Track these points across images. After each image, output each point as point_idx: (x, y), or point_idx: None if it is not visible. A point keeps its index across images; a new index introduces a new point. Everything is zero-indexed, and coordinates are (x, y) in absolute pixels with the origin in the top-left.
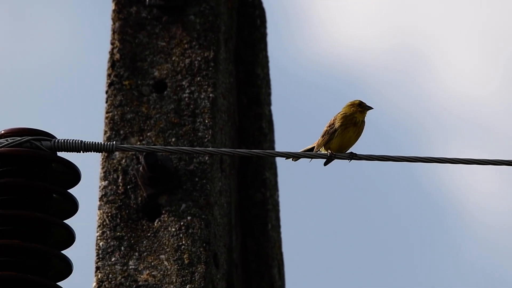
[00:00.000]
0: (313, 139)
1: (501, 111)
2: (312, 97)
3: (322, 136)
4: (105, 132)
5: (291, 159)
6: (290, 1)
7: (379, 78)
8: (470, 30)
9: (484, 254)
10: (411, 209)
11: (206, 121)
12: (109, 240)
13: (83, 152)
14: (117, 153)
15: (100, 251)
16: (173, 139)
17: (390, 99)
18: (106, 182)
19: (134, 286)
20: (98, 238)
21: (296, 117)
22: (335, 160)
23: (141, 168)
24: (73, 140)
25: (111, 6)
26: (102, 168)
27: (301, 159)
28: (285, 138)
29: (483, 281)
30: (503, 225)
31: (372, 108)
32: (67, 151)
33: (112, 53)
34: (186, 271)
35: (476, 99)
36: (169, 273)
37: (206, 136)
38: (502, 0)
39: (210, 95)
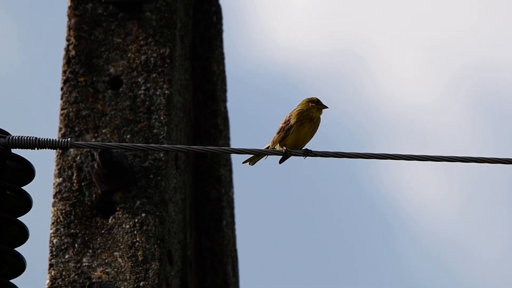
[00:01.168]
0: (269, 136)
1: (441, 119)
2: (261, 99)
3: (278, 133)
4: (60, 128)
5: (248, 163)
6: (229, 6)
7: (321, 81)
8: (414, 39)
9: (426, 263)
10: (353, 213)
11: (162, 118)
12: (63, 237)
13: (38, 149)
14: (71, 150)
15: (54, 248)
16: (128, 136)
17: (332, 102)
18: (61, 179)
19: (88, 283)
20: (52, 235)
21: (252, 114)
22: (290, 157)
23: (95, 165)
24: (28, 137)
25: (67, 2)
26: (57, 165)
27: (258, 163)
28: (240, 135)
29: None
30: (446, 232)
31: (328, 108)
32: (22, 148)
33: (67, 50)
34: (140, 268)
35: (417, 106)
36: (123, 270)
37: (161, 133)
38: (445, 10)
39: (166, 91)
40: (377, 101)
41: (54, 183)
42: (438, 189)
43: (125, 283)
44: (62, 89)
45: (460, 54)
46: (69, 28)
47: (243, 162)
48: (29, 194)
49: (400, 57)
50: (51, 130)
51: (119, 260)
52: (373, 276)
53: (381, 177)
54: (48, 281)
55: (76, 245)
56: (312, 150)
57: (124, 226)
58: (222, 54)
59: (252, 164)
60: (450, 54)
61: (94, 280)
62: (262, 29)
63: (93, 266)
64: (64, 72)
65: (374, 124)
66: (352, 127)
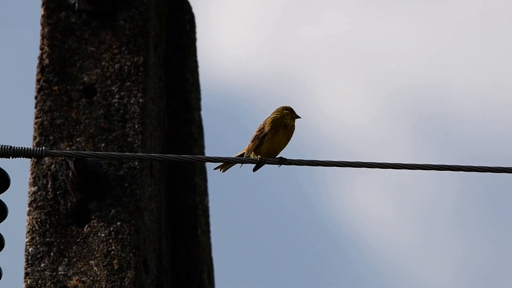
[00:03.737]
0: (244, 143)
1: (380, 138)
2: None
3: (252, 141)
4: (35, 137)
5: (219, 169)
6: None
7: (265, 101)
8: (352, 60)
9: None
10: (308, 233)
11: (136, 127)
12: (38, 246)
13: (12, 157)
14: (46, 158)
15: (29, 257)
16: (103, 145)
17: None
18: (36, 187)
19: None
20: (28, 243)
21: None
22: (264, 165)
23: (70, 174)
24: (2, 145)
25: (40, 11)
26: (32, 173)
27: (229, 170)
28: (215, 143)
29: None
30: (396, 255)
31: (300, 118)
32: None
33: (41, 58)
34: (116, 276)
35: (356, 126)
36: (98, 278)
37: (136, 141)
38: (382, 31)
39: (140, 100)
40: (317, 121)
41: (29, 192)
42: (387, 210)
43: None
44: (36, 97)
45: (396, 74)
46: (43, 37)
47: (215, 169)
48: (4, 203)
49: (339, 79)
50: (26, 139)
51: (95, 268)
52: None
53: (330, 194)
54: None
55: (52, 254)
56: (287, 158)
57: (99, 234)
58: (196, 62)
59: (223, 171)
60: (387, 73)
61: None
62: (215, 42)
63: (69, 274)
64: (38, 80)
65: (317, 143)
66: (297, 146)
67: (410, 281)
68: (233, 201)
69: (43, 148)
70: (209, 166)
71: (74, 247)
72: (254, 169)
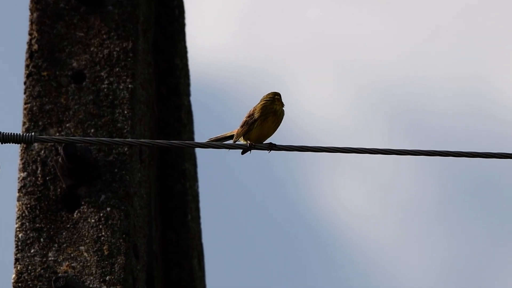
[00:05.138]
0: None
1: (350, 132)
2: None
3: (241, 127)
4: (24, 123)
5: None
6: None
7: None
8: (327, 56)
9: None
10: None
11: (125, 112)
12: (28, 232)
13: (2, 143)
14: (36, 144)
15: (19, 243)
16: (92, 130)
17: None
18: (25, 173)
19: (54, 277)
20: (17, 229)
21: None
22: (253, 150)
23: (60, 159)
24: None
25: None
26: (21, 159)
27: (220, 155)
28: (204, 128)
29: None
30: (377, 250)
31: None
32: None
33: (30, 44)
34: (106, 262)
35: (328, 120)
36: (88, 264)
37: (125, 127)
38: (359, 25)
39: (129, 85)
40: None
41: (18, 178)
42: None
43: (91, 278)
44: (25, 83)
45: (372, 67)
46: (31, 22)
47: (209, 139)
48: None
49: (314, 72)
50: (15, 124)
51: (85, 254)
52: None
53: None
54: (14, 275)
55: (42, 240)
56: (277, 144)
57: (89, 220)
58: (185, 48)
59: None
60: (362, 67)
61: (60, 275)
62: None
63: (59, 260)
64: (27, 66)
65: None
66: (273, 138)
67: (390, 277)
68: (223, 186)
69: (33, 133)
70: (199, 152)
71: (64, 233)
72: (242, 153)
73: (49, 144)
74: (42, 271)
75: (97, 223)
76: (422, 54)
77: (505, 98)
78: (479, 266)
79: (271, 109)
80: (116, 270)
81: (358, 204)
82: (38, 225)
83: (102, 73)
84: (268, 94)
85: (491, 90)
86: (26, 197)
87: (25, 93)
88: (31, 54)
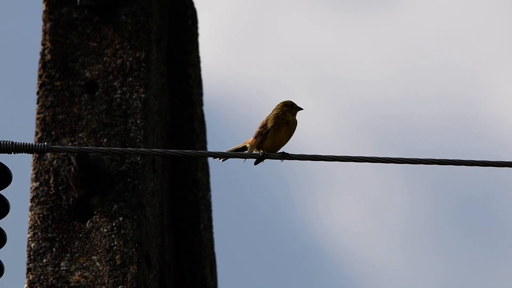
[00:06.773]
0: (245, 139)
1: (335, 150)
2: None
3: (255, 137)
4: (37, 133)
5: (218, 158)
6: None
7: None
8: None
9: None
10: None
11: (138, 122)
12: (40, 241)
13: (14, 153)
14: (48, 154)
15: (31, 253)
16: (105, 140)
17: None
18: (38, 183)
19: (66, 287)
20: (30, 239)
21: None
22: (266, 160)
23: (72, 169)
24: (4, 141)
25: (42, 6)
26: (34, 169)
27: (231, 163)
28: (217, 138)
29: None
30: (372, 270)
31: (302, 109)
32: None
33: (43, 54)
34: (118, 271)
35: (312, 137)
36: (101, 274)
37: (138, 136)
38: (343, 41)
39: (142, 95)
40: None
41: (31, 187)
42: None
43: (104, 287)
44: (38, 93)
45: (358, 86)
46: (45, 33)
47: (214, 158)
48: (6, 199)
49: (300, 89)
50: (28, 134)
51: (97, 264)
52: None
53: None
54: (26, 285)
55: (54, 249)
56: (289, 153)
57: (101, 230)
58: (198, 57)
59: (223, 161)
60: (348, 85)
61: (72, 284)
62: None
63: (71, 270)
64: (40, 76)
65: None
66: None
67: None
68: (236, 196)
69: (45, 143)
70: (212, 161)
71: (76, 243)
72: (256, 163)
73: (61, 154)
74: (54, 280)
75: (110, 233)
76: (410, 74)
77: (492, 116)
78: (473, 282)
79: (284, 120)
80: (128, 280)
81: (353, 224)
82: (50, 234)
83: (115, 83)
84: (279, 104)
85: (479, 109)
86: (39, 206)
87: (38, 103)
88: (44, 64)
